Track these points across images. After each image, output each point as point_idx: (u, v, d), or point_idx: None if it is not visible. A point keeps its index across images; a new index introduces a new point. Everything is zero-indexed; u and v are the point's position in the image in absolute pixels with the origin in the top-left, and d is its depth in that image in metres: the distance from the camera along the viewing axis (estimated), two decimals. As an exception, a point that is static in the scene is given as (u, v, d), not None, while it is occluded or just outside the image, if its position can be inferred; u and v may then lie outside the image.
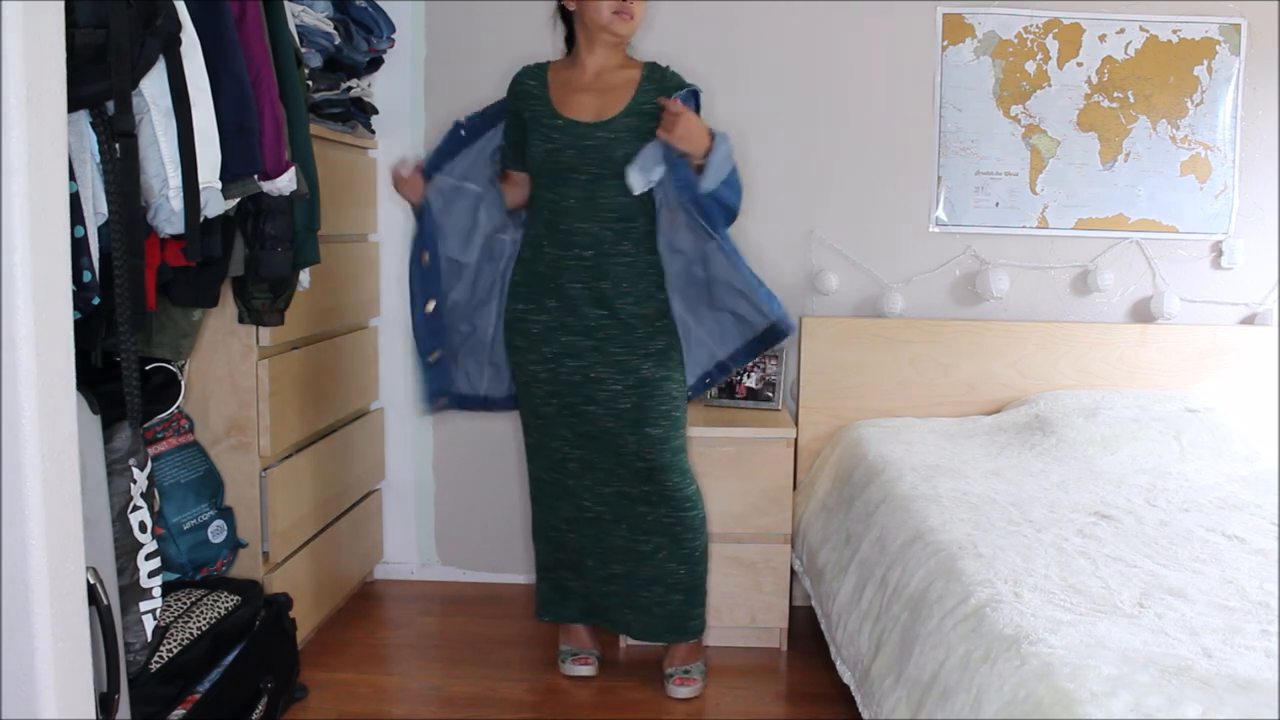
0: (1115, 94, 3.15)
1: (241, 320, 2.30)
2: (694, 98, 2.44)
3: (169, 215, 1.76)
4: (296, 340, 2.66)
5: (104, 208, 1.59)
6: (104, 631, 1.38)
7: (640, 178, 2.36)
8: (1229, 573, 1.84)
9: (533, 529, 2.69)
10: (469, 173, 2.56)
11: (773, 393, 3.04)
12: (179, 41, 1.73)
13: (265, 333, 2.46)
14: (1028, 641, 1.53)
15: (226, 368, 2.44)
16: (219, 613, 2.12)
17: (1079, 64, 3.14)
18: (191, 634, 2.03)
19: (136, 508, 1.76)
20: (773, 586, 2.80)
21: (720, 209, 2.40)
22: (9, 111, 1.09)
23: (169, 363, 2.16)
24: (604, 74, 2.47)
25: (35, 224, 1.12)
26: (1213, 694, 1.34)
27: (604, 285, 2.45)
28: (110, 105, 1.58)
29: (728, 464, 2.77)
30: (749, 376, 3.06)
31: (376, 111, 3.08)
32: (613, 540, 2.55)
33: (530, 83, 2.51)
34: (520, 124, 2.51)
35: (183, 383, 2.19)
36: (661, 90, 2.44)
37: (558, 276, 2.47)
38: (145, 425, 2.14)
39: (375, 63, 3.01)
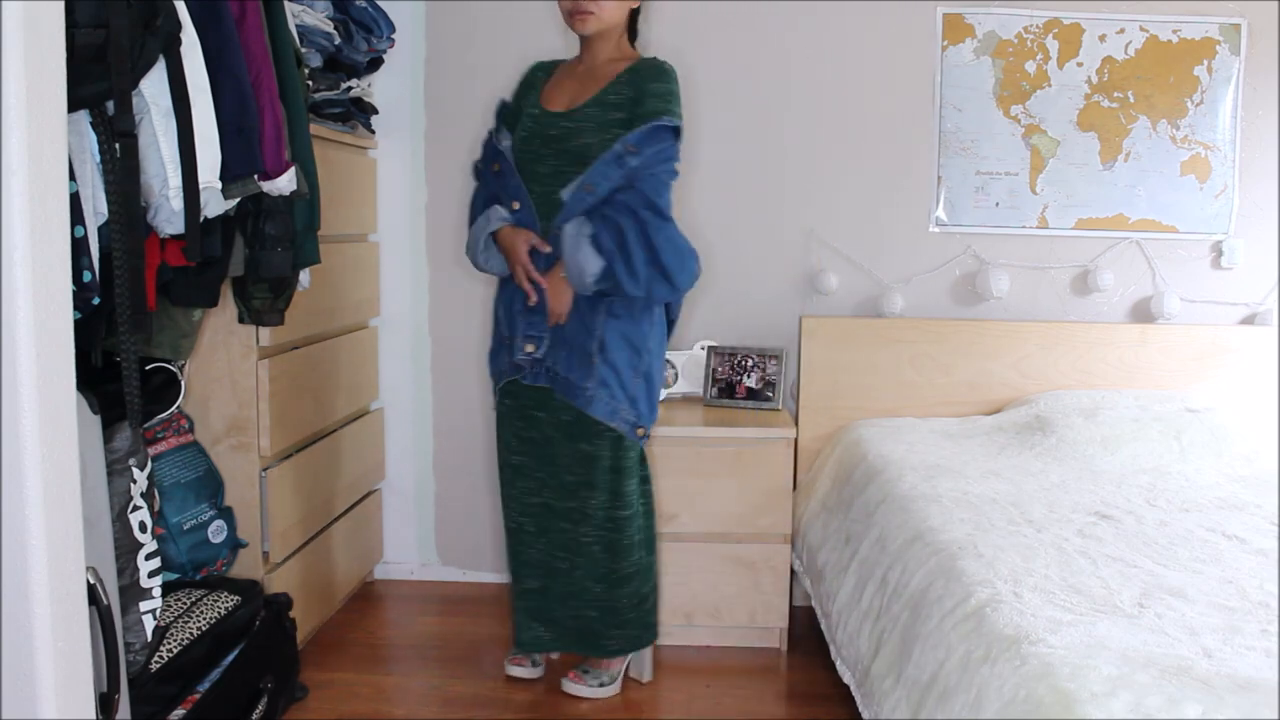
0: (1115, 94, 3.15)
1: (241, 320, 2.30)
2: (671, 133, 2.32)
3: (169, 215, 1.76)
4: (296, 340, 2.66)
5: (104, 208, 1.59)
6: (104, 631, 1.38)
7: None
8: (1229, 573, 1.83)
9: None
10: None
11: (773, 393, 3.04)
12: (179, 41, 1.73)
13: (265, 333, 2.45)
14: (1028, 641, 1.53)
15: (226, 368, 2.44)
16: (219, 613, 2.12)
17: (1079, 64, 3.14)
18: (191, 634, 2.03)
19: (136, 508, 1.76)
20: (773, 586, 2.80)
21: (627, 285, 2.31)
22: (9, 111, 1.09)
23: (169, 363, 2.16)
24: (597, 66, 2.42)
25: (35, 224, 1.12)
26: (1213, 694, 1.34)
27: None
28: (110, 105, 1.58)
29: (728, 464, 2.77)
30: (749, 376, 3.06)
31: (376, 111, 3.08)
32: (529, 554, 2.52)
33: (539, 75, 2.51)
34: (517, 114, 2.47)
35: (183, 383, 2.19)
36: (633, 82, 2.34)
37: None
38: (145, 425, 2.14)
39: (375, 63, 3.01)
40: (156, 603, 1.80)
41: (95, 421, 1.56)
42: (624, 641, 2.54)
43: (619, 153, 2.29)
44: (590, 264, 2.26)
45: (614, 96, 2.35)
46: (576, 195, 2.31)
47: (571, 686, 2.55)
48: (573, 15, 2.35)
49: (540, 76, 2.50)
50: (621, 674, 2.60)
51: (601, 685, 2.55)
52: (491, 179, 2.47)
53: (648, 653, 2.63)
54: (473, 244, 2.45)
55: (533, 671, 2.63)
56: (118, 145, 1.59)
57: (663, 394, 3.12)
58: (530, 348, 2.39)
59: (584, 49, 2.46)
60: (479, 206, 2.49)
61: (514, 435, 2.49)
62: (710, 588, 2.80)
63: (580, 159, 2.32)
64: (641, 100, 2.32)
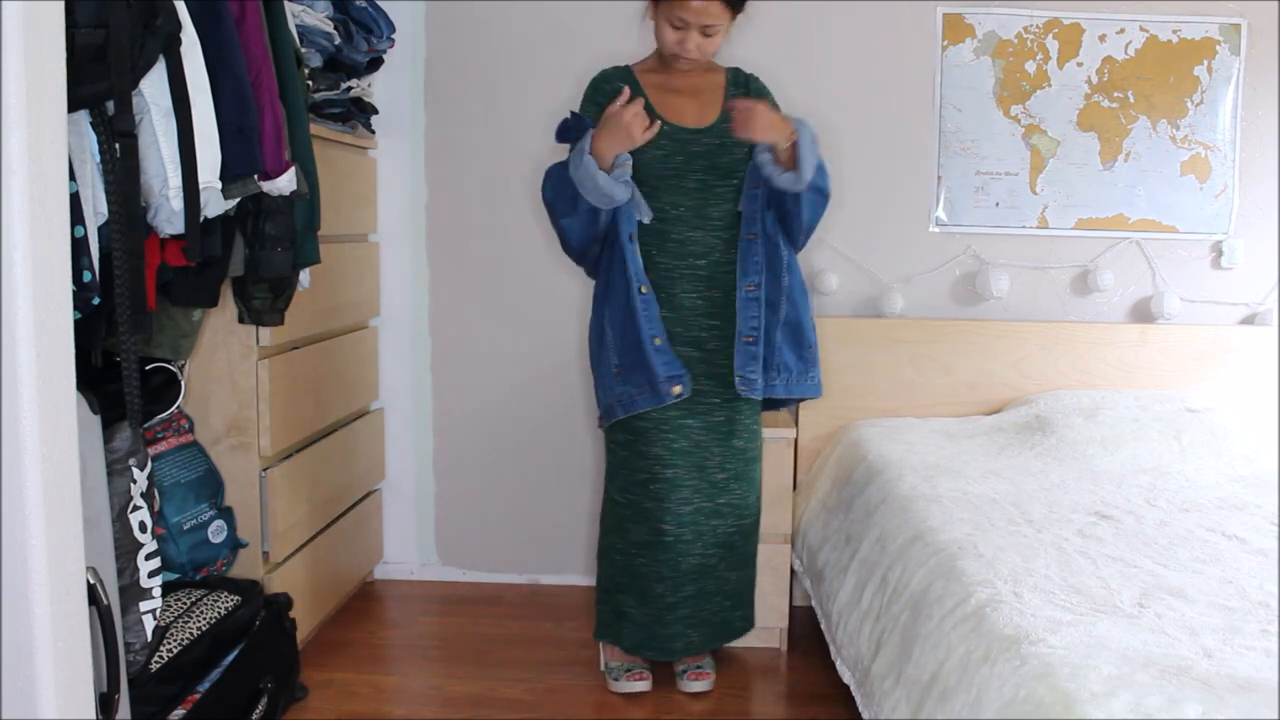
0: (1115, 94, 3.15)
1: (241, 320, 2.30)
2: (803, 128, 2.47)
3: (169, 215, 1.76)
4: (296, 340, 2.66)
5: (104, 208, 1.59)
6: (104, 631, 1.38)
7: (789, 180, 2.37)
8: (1229, 573, 1.83)
9: (599, 550, 2.61)
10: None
11: (773, 393, 3.04)
12: (179, 41, 1.73)
13: (265, 333, 2.45)
14: (1028, 641, 1.53)
15: (226, 368, 2.44)
16: (219, 613, 2.12)
17: (1079, 64, 3.14)
18: (191, 634, 2.03)
19: (136, 508, 1.76)
20: (773, 586, 2.80)
21: (819, 198, 2.44)
22: (9, 111, 1.09)
23: (169, 363, 2.16)
24: (698, 79, 2.47)
25: (35, 224, 1.12)
26: (1213, 694, 1.34)
27: (716, 294, 2.44)
28: (110, 105, 1.58)
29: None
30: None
31: (376, 111, 3.08)
32: (687, 562, 2.49)
33: (620, 86, 2.42)
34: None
35: (183, 383, 2.19)
36: (747, 96, 2.46)
37: (671, 287, 2.43)
38: (145, 425, 2.14)
39: (375, 63, 3.00)
40: (156, 603, 1.80)
41: (95, 421, 1.56)
42: (743, 622, 2.64)
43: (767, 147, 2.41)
44: (815, 153, 2.36)
45: None
46: (749, 195, 2.45)
47: (697, 685, 2.56)
48: (678, 58, 2.39)
49: (622, 88, 2.40)
50: None
51: (714, 670, 2.62)
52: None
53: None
54: (577, 172, 2.31)
55: (648, 684, 2.57)
56: (118, 145, 1.59)
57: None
58: (677, 389, 2.39)
59: (667, 64, 2.46)
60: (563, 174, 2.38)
61: (663, 449, 2.45)
62: (710, 588, 2.80)
63: (730, 172, 2.43)
64: None
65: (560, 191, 2.38)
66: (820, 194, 2.44)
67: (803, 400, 2.64)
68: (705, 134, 2.42)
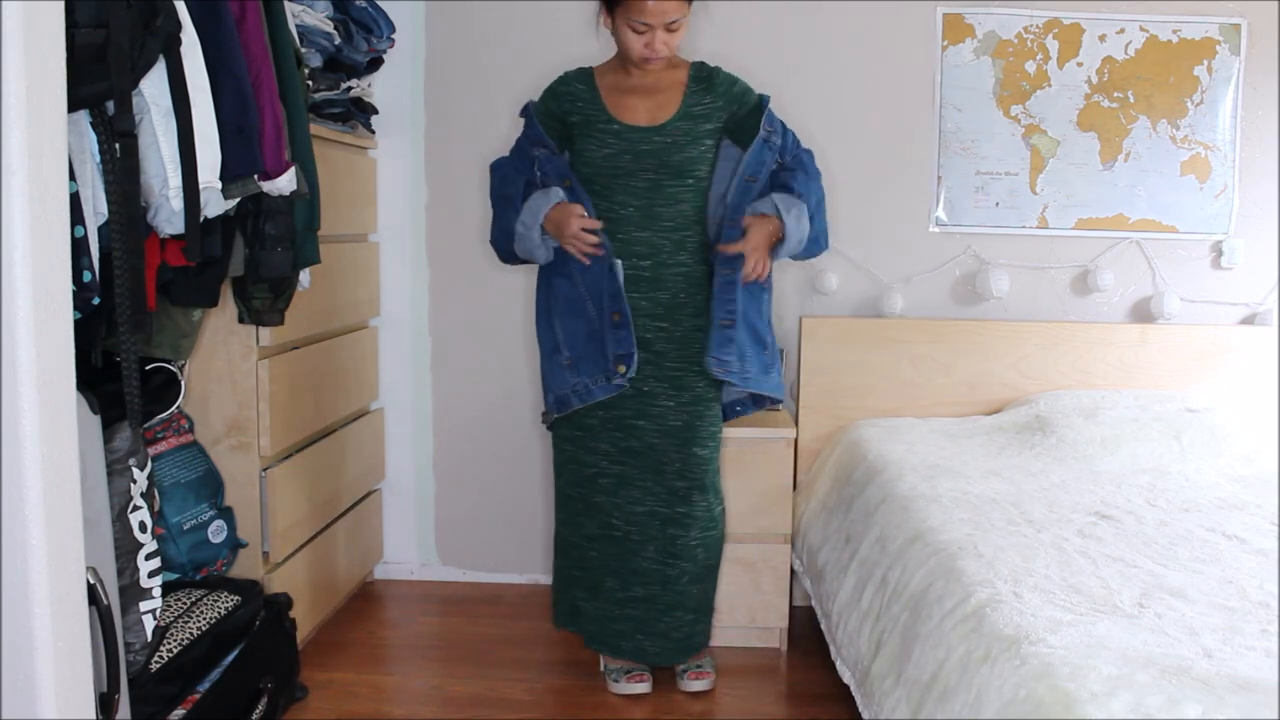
0: (1115, 94, 3.15)
1: (241, 320, 2.30)
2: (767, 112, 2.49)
3: (169, 215, 1.76)
4: (296, 340, 2.66)
5: (104, 208, 1.59)
6: (104, 631, 1.38)
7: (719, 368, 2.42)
8: (1229, 573, 1.84)
9: (554, 542, 2.63)
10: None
11: (773, 393, 3.04)
12: (179, 41, 1.73)
13: (265, 333, 2.46)
14: (1028, 641, 1.53)
15: (226, 368, 2.44)
16: (219, 613, 2.12)
17: (1079, 64, 3.14)
18: (191, 634, 2.03)
19: (136, 508, 1.76)
20: (773, 586, 2.80)
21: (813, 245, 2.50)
22: (9, 111, 1.09)
23: (169, 363, 2.16)
24: (657, 78, 2.43)
25: (35, 224, 1.12)
26: (1213, 694, 1.34)
27: (662, 296, 2.43)
28: (110, 105, 1.58)
29: (728, 464, 2.76)
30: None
31: (376, 111, 3.08)
32: (637, 562, 2.49)
33: (579, 86, 2.44)
34: (564, 129, 2.45)
35: (183, 383, 2.19)
36: (709, 90, 2.42)
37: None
38: (145, 425, 2.14)
39: (375, 63, 3.01)
40: (156, 603, 1.80)
41: (95, 421, 1.56)
42: (704, 635, 2.62)
43: (763, 138, 2.44)
44: (807, 229, 2.41)
45: (698, 108, 2.42)
46: (741, 188, 2.44)
47: (697, 684, 2.57)
48: (644, 61, 2.37)
49: (580, 89, 2.44)
50: None
51: (713, 669, 2.62)
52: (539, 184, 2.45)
53: None
54: (524, 232, 2.40)
55: (648, 686, 2.56)
56: (118, 145, 1.59)
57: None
58: (621, 368, 2.39)
59: (630, 64, 2.43)
60: (516, 196, 2.43)
61: (611, 445, 2.47)
62: (710, 588, 2.80)
63: (680, 172, 2.40)
64: (736, 101, 2.45)
65: (499, 207, 2.48)
66: (814, 243, 2.50)
67: (763, 401, 2.58)
68: (656, 132, 2.39)
